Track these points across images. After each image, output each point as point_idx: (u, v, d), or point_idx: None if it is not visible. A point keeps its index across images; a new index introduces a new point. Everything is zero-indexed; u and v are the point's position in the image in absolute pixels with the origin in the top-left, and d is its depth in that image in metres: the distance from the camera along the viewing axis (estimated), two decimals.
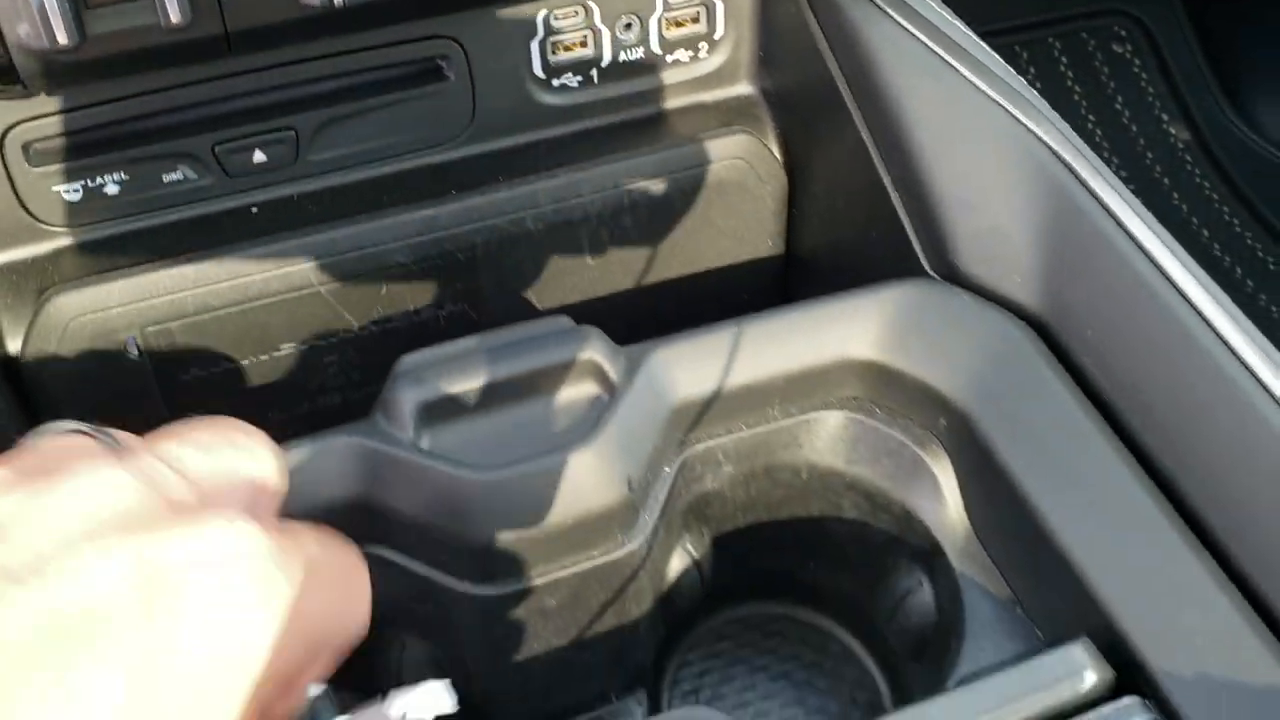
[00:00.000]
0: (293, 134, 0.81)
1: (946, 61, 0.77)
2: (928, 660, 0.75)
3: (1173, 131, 1.83)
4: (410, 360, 0.69)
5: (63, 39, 0.65)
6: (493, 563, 0.66)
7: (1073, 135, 0.75)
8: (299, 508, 0.61)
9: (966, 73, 0.76)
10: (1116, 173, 1.79)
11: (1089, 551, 0.64)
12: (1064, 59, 1.87)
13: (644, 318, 0.93)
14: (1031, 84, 1.86)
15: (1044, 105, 0.76)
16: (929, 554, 0.74)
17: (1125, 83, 1.85)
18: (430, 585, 0.68)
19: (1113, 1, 1.85)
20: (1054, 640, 0.67)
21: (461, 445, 0.67)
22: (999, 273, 0.74)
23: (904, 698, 0.78)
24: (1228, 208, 1.77)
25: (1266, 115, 1.79)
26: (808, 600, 0.84)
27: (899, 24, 0.79)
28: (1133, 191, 1.79)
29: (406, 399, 0.67)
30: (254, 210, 0.82)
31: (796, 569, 0.83)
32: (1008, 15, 1.82)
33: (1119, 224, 0.70)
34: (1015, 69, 1.83)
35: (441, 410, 0.68)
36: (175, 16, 0.67)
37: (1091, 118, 1.84)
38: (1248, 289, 1.68)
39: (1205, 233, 1.75)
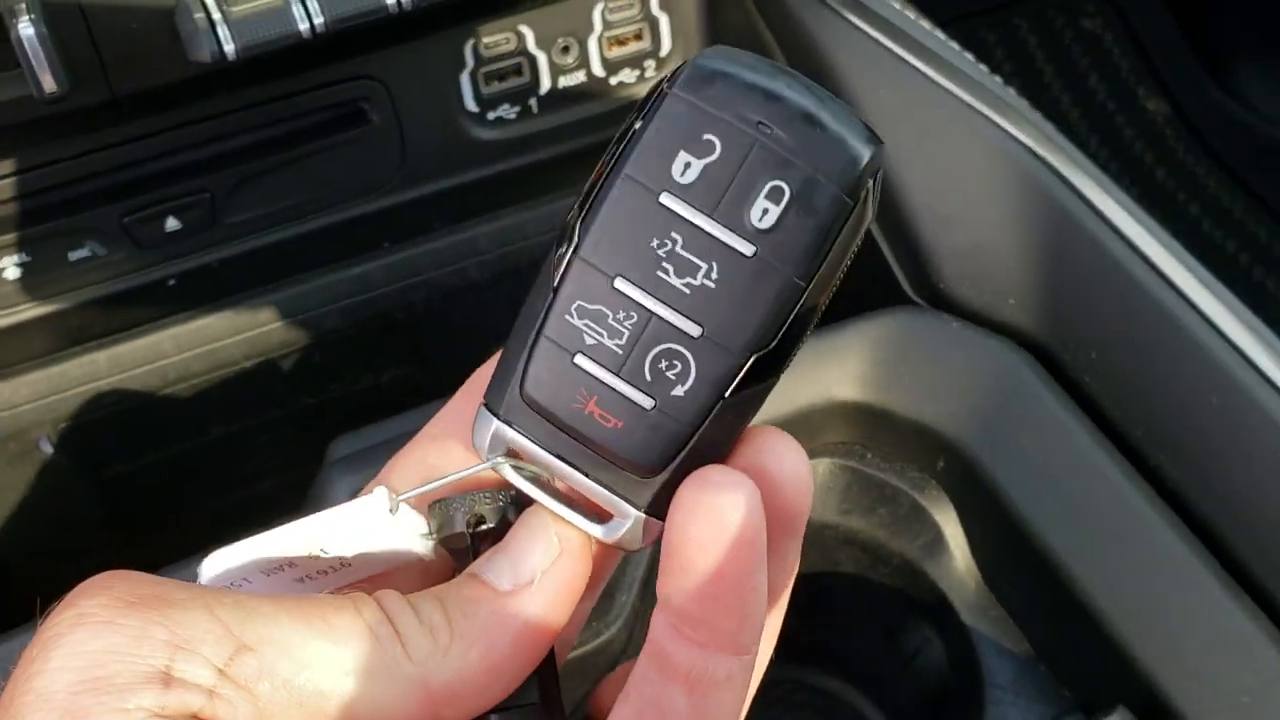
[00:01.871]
0: (207, 196, 0.74)
1: (909, 63, 0.70)
2: None
3: (1150, 106, 1.77)
4: (342, 445, 0.62)
5: None
6: None
7: (1057, 135, 0.68)
8: None
9: (933, 74, 0.69)
10: (1097, 151, 1.74)
11: (1116, 601, 0.58)
12: (1032, 39, 1.81)
13: None
14: (1001, 66, 1.80)
15: (1022, 104, 0.69)
16: (937, 609, 0.67)
17: (1097, 59, 1.79)
18: None
19: None
20: (1085, 701, 0.60)
21: None
22: (989, 294, 0.67)
23: None
24: (1213, 180, 1.71)
25: (1247, 82, 1.73)
26: (811, 662, 0.77)
27: (855, 25, 0.72)
28: (1116, 170, 1.74)
29: (340, 489, 0.60)
30: (171, 283, 0.75)
31: (796, 630, 0.76)
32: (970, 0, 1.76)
33: (1116, 231, 0.64)
34: (982, 53, 1.78)
35: None
36: (50, 85, 0.60)
37: (1065, 98, 1.78)
38: (1242, 264, 1.63)
39: (1193, 208, 1.69)
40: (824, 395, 0.66)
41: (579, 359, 0.32)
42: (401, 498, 0.34)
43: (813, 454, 0.68)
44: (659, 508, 0.33)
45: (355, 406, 0.78)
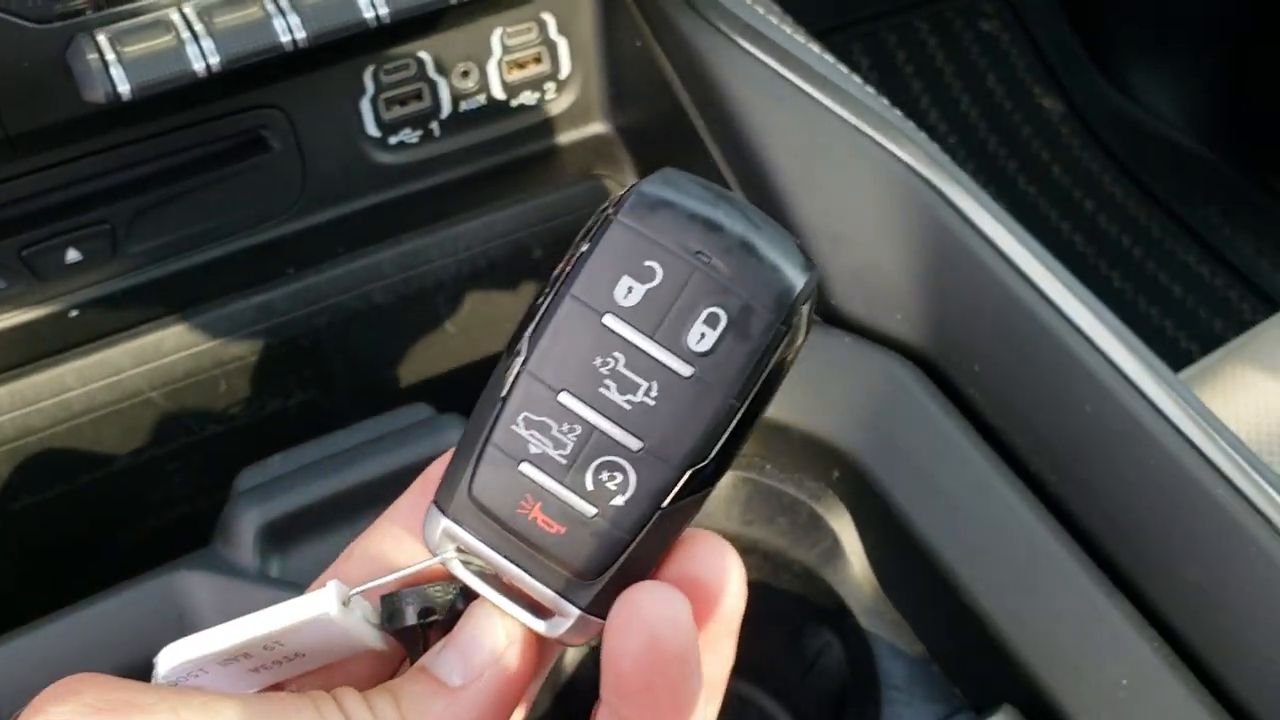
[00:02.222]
0: (107, 227, 0.74)
1: (801, 89, 0.72)
2: None
3: (1046, 104, 1.82)
4: (250, 475, 0.63)
5: None
6: None
7: (939, 154, 0.71)
8: (129, 663, 0.55)
9: (824, 99, 0.72)
10: (996, 151, 1.78)
11: (1000, 603, 0.61)
12: (933, 40, 1.85)
13: None
14: (902, 68, 1.84)
15: (908, 126, 0.72)
16: (836, 614, 0.69)
17: (995, 60, 1.83)
18: None
19: None
20: (975, 700, 0.63)
21: (316, 569, 0.61)
22: (878, 310, 0.70)
23: None
24: (1108, 176, 1.76)
25: (1139, 80, 1.78)
26: None
27: (748, 52, 0.74)
28: (1014, 167, 1.78)
29: (248, 522, 0.61)
30: (73, 314, 0.75)
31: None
32: (871, 2, 1.79)
33: (994, 247, 0.66)
34: (884, 55, 1.81)
35: (289, 530, 0.62)
36: None
37: (965, 98, 1.82)
38: (1136, 257, 1.68)
39: (1089, 204, 1.74)
40: None
41: (524, 467, 0.34)
42: (353, 592, 0.36)
43: None
44: (599, 607, 0.35)
45: (264, 432, 0.79)
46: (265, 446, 0.70)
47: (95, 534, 0.77)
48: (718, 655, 0.36)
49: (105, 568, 0.65)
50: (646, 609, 0.32)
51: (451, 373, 0.84)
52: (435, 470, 0.38)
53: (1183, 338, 1.59)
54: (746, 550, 0.72)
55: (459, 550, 0.35)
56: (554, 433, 0.34)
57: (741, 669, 0.79)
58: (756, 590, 0.73)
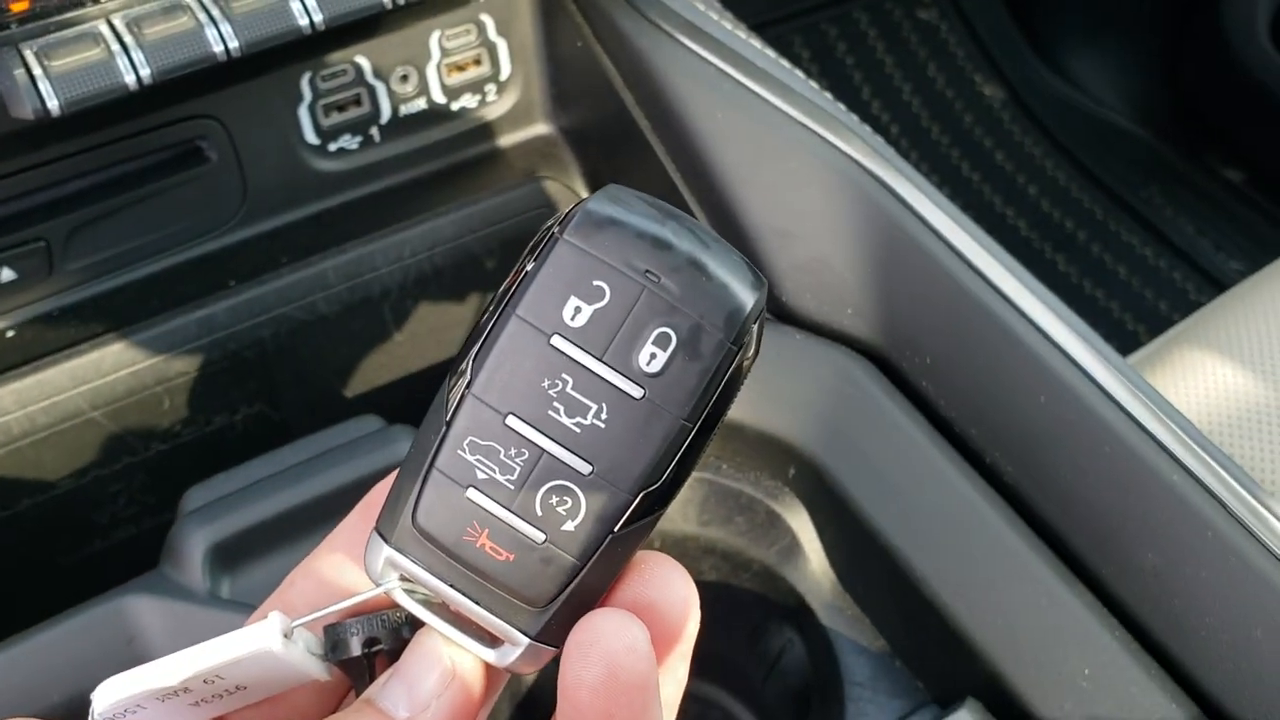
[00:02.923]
0: (43, 245, 0.72)
1: (743, 84, 0.72)
2: None
3: (987, 92, 1.83)
4: (196, 495, 0.62)
5: None
6: None
7: (884, 147, 0.70)
8: (77, 692, 0.53)
9: (766, 94, 0.71)
10: (938, 139, 1.79)
11: (960, 596, 0.61)
12: (872, 30, 1.85)
13: None
14: (843, 59, 1.84)
15: (852, 119, 0.71)
16: (797, 612, 0.69)
17: (935, 49, 1.84)
18: None
19: None
20: (938, 695, 0.63)
21: (267, 588, 0.60)
22: (828, 305, 0.69)
23: None
24: (1050, 160, 1.77)
25: (1077, 66, 1.80)
26: None
27: (689, 49, 0.73)
28: (957, 155, 1.79)
29: (196, 543, 0.60)
30: (10, 335, 0.73)
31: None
32: None
33: (942, 239, 0.66)
34: (825, 46, 1.81)
35: (238, 550, 0.60)
36: None
37: (906, 87, 1.83)
38: (1080, 241, 1.69)
39: (1032, 189, 1.75)
40: None
41: (471, 493, 0.33)
42: (295, 624, 0.35)
43: None
44: (550, 635, 0.34)
45: (210, 448, 0.77)
46: (212, 464, 0.68)
47: (39, 559, 0.75)
48: (672, 677, 0.36)
49: (50, 594, 0.64)
50: (605, 637, 0.32)
51: (400, 381, 0.82)
52: (378, 494, 0.37)
53: (1129, 319, 1.60)
54: (705, 551, 0.71)
55: (403, 579, 0.34)
56: (501, 457, 0.33)
57: (703, 670, 0.79)
58: (716, 591, 0.73)
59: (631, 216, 0.34)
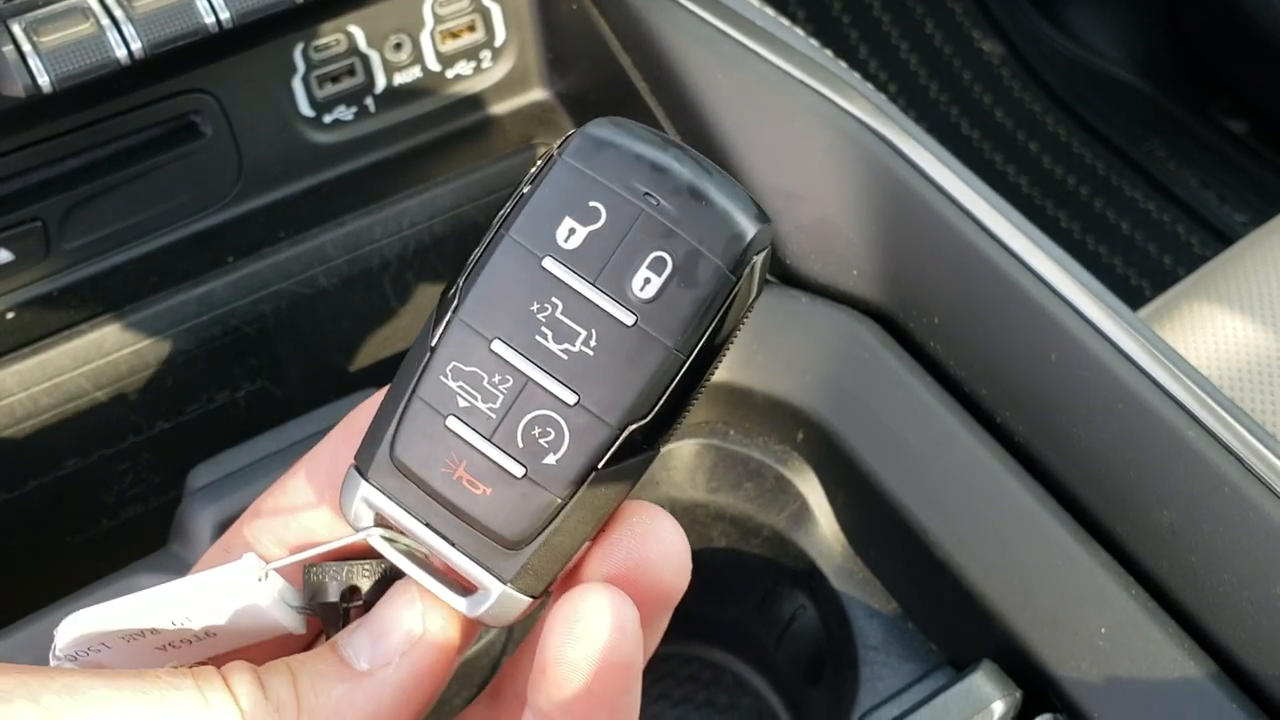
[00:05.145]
0: (40, 224, 0.72)
1: (743, 44, 0.71)
2: (826, 685, 0.70)
3: (985, 48, 1.81)
4: (203, 473, 0.61)
5: None
6: None
7: (888, 105, 0.69)
8: None
9: (767, 54, 0.70)
10: (937, 96, 1.77)
11: (972, 557, 0.60)
12: None
13: None
14: (839, 18, 1.82)
15: (854, 77, 0.70)
16: (808, 576, 0.69)
17: (933, 5, 1.82)
18: None
19: None
20: (953, 656, 0.63)
21: None
22: (834, 267, 0.68)
23: None
24: (1051, 117, 1.76)
25: (1077, 19, 1.78)
26: (695, 636, 0.79)
27: (687, 9, 0.72)
28: (956, 112, 1.78)
29: (203, 521, 0.59)
30: (9, 316, 0.73)
31: (678, 606, 0.77)
32: None
33: (949, 197, 0.65)
34: (820, 6, 1.79)
35: None
36: None
37: (904, 45, 1.81)
38: (1083, 196, 1.68)
39: (1033, 145, 1.74)
40: None
41: (451, 422, 0.32)
42: (271, 566, 0.34)
43: (680, 435, 0.69)
44: (525, 583, 0.32)
45: (214, 425, 0.77)
46: (217, 441, 0.68)
47: (47, 540, 0.75)
48: (653, 632, 0.34)
49: (58, 576, 0.63)
50: (594, 614, 0.30)
51: (402, 353, 0.82)
52: (359, 418, 0.35)
53: (1133, 275, 1.59)
54: (714, 517, 0.71)
55: (379, 521, 0.33)
56: (484, 384, 0.32)
57: (715, 636, 0.79)
58: (726, 557, 0.72)
59: (633, 141, 0.32)
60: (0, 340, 0.72)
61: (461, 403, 0.32)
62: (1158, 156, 1.69)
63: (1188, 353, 0.86)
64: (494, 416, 0.32)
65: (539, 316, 0.32)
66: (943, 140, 1.80)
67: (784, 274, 0.71)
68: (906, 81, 1.78)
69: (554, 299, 0.32)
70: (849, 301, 0.69)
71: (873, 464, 0.64)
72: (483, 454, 0.32)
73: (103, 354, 0.73)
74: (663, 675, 0.79)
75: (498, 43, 0.82)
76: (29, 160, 0.70)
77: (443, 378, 0.32)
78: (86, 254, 0.74)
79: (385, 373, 0.81)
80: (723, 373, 0.67)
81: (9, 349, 0.72)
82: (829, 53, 0.72)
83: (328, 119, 0.78)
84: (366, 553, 0.34)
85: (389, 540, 0.33)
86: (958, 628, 0.61)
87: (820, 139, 0.69)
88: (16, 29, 0.61)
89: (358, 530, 0.33)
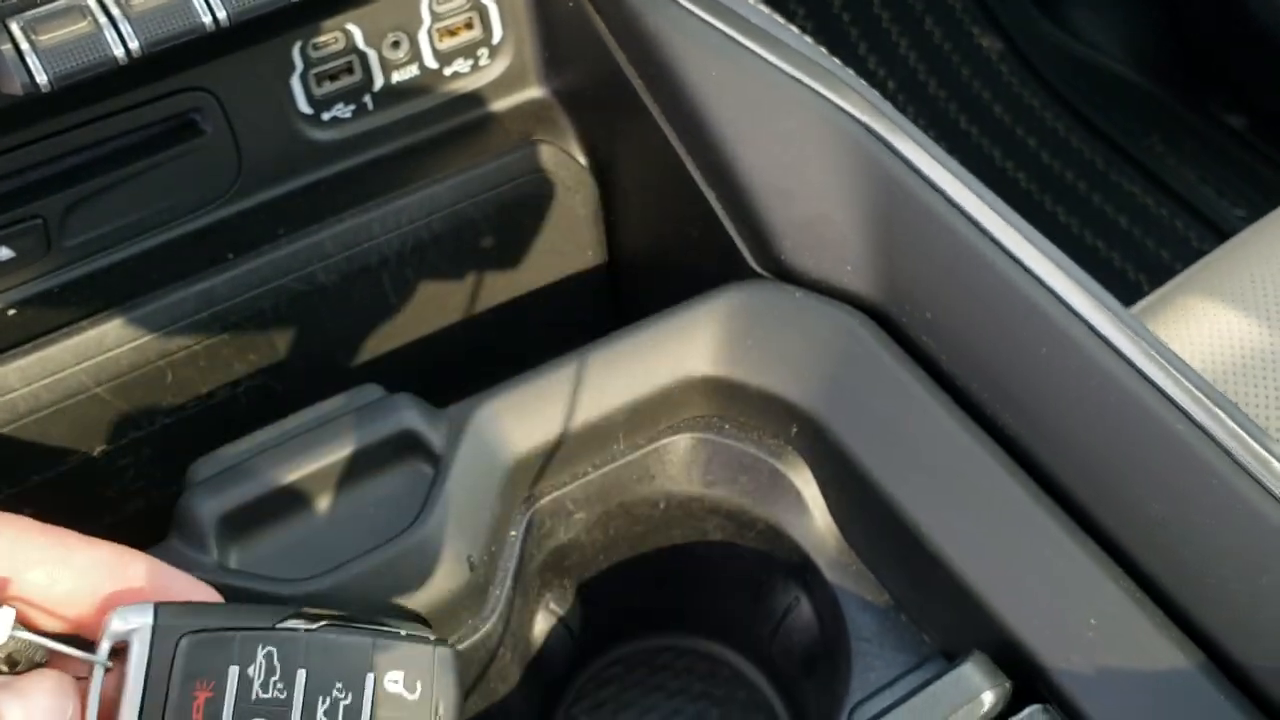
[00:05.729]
0: (40, 222, 0.72)
1: (737, 41, 0.71)
2: (819, 677, 0.71)
3: (984, 43, 1.82)
4: (202, 466, 0.62)
5: None
6: None
7: (882, 102, 0.70)
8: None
9: (761, 51, 0.71)
10: (936, 93, 1.77)
11: (963, 549, 0.61)
12: None
13: (469, 356, 0.86)
14: (839, 15, 1.82)
15: (849, 74, 0.71)
16: (802, 569, 0.69)
17: (931, 1, 1.82)
18: None
19: None
20: (944, 647, 0.63)
21: (275, 557, 0.60)
22: (829, 263, 0.69)
23: (800, 717, 0.74)
24: (1050, 112, 1.76)
25: (1076, 14, 1.78)
26: (691, 629, 0.79)
27: (682, 6, 0.73)
28: (955, 109, 1.78)
29: (204, 514, 0.60)
30: (10, 314, 0.73)
31: (672, 599, 0.78)
32: None
33: (941, 194, 0.66)
34: (819, 3, 1.79)
35: (246, 520, 0.60)
36: None
37: (903, 41, 1.82)
38: (1081, 191, 1.68)
39: (1031, 141, 1.74)
40: (680, 373, 0.68)
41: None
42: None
43: (674, 430, 0.70)
44: None
45: (215, 421, 0.77)
46: (217, 436, 0.68)
47: None
48: None
49: None
50: None
51: (401, 349, 0.82)
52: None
53: (1130, 269, 1.60)
54: (709, 511, 0.71)
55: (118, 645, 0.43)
56: None
57: (711, 629, 0.79)
58: (721, 550, 0.73)
59: None
60: (1, 337, 0.73)
61: None
62: (1156, 151, 1.69)
63: (1182, 347, 0.86)
64: None
65: None
66: (941, 136, 1.80)
67: (778, 270, 0.71)
68: (905, 77, 1.78)
69: None
70: (842, 297, 0.69)
71: (866, 458, 0.65)
72: None
73: (103, 350, 0.74)
74: (659, 667, 0.80)
75: (495, 40, 0.82)
76: (29, 158, 0.71)
77: None
78: (87, 251, 0.75)
79: (384, 368, 0.82)
80: (716, 367, 0.68)
81: (10, 345, 0.73)
82: (824, 50, 0.73)
83: (326, 116, 0.79)
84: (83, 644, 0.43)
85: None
86: (949, 619, 0.62)
87: (815, 135, 0.70)
88: (14, 27, 0.62)
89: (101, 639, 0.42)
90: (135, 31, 0.62)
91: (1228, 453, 0.55)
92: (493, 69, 0.83)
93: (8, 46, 0.60)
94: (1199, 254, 1.55)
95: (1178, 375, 0.58)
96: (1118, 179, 1.68)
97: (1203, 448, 0.56)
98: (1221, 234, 1.59)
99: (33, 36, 0.61)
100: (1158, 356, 0.59)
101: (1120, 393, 0.58)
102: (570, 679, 0.78)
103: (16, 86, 0.60)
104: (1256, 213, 1.58)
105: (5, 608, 0.41)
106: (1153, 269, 1.59)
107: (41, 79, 0.61)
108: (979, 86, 1.79)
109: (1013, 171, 1.70)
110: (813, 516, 0.68)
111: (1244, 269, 0.96)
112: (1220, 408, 0.57)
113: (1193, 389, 0.57)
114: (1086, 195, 1.68)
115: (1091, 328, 0.60)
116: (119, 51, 0.62)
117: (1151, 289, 1.04)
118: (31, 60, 0.60)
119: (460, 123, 0.83)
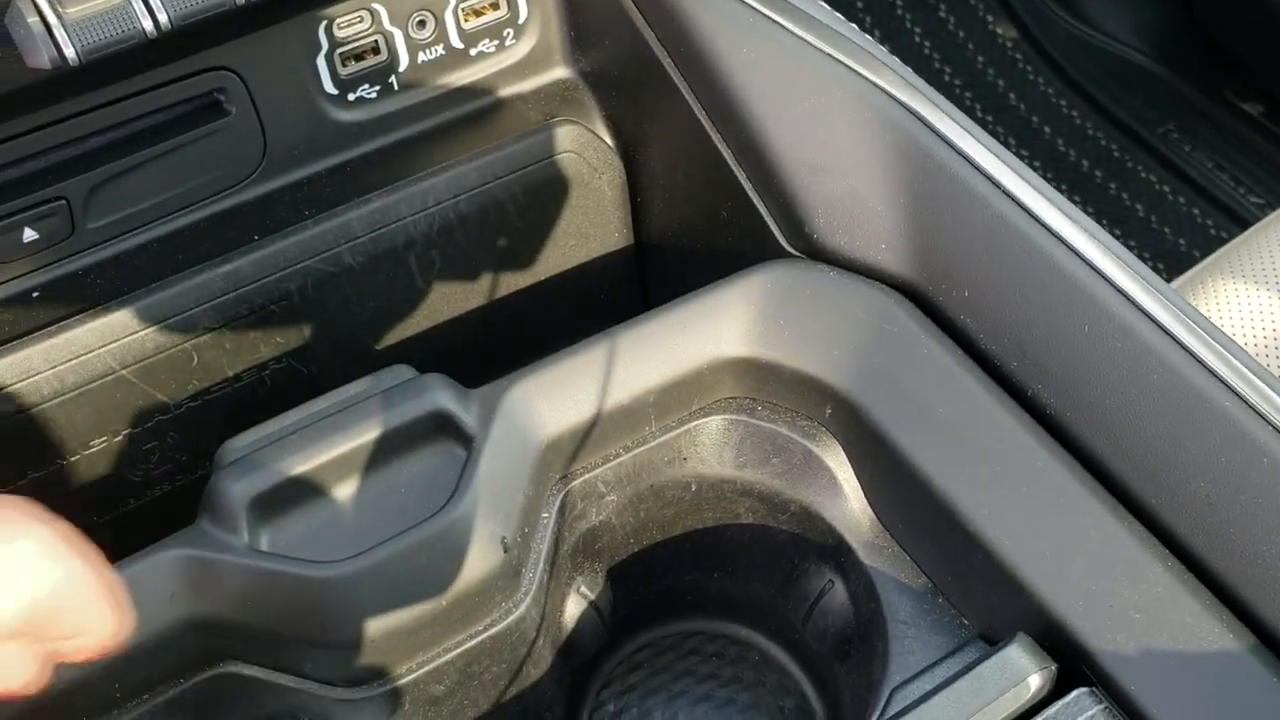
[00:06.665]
0: (64, 203, 0.71)
1: (770, 18, 0.70)
2: (854, 661, 0.70)
3: (1000, 31, 1.81)
4: (232, 447, 0.61)
5: None
6: (363, 662, 0.59)
7: (915, 78, 0.69)
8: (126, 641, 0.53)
9: (793, 28, 0.70)
10: (951, 81, 1.76)
11: (1004, 530, 0.60)
12: None
13: (496, 339, 0.86)
14: (853, 3, 1.81)
15: (880, 50, 0.70)
16: (836, 551, 0.69)
17: None
18: (301, 697, 0.60)
19: None
20: (984, 630, 0.62)
21: (306, 538, 0.59)
22: (861, 241, 0.68)
23: (833, 702, 0.73)
24: (1065, 100, 1.75)
25: (1092, 3, 1.77)
26: (720, 613, 0.79)
27: None
28: (970, 97, 1.76)
29: (234, 495, 0.59)
30: (35, 295, 0.72)
31: (701, 582, 0.77)
32: None
33: (978, 169, 0.65)
34: None
35: (277, 501, 0.60)
36: None
37: (919, 29, 1.81)
38: (1097, 179, 1.67)
39: (1047, 129, 1.73)
40: (712, 354, 0.67)
41: None
42: None
43: (705, 411, 0.69)
44: None
45: (241, 403, 0.77)
46: (243, 419, 0.68)
47: (74, 520, 0.75)
48: None
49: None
50: None
51: (428, 331, 0.82)
52: None
53: (1148, 258, 1.59)
54: (742, 493, 0.71)
55: None
56: None
57: (740, 613, 0.78)
58: (753, 533, 0.72)
59: None
60: (26, 319, 0.72)
61: None
62: (1173, 139, 1.68)
63: (1219, 324, 0.85)
64: None
65: None
66: None
67: (810, 249, 0.71)
68: (921, 65, 1.77)
69: None
70: (877, 275, 0.68)
71: (902, 439, 0.64)
72: None
73: (128, 333, 0.73)
74: (688, 652, 0.79)
75: (520, 20, 0.81)
76: (54, 139, 0.70)
77: None
78: (111, 233, 0.74)
79: (410, 350, 0.81)
80: (749, 348, 0.67)
81: (35, 328, 0.72)
82: (854, 26, 0.72)
83: (352, 96, 0.78)
84: None
85: None
86: (989, 601, 0.61)
87: (847, 112, 0.69)
88: (42, 1, 0.61)
89: None
90: (164, 5, 0.61)
91: (1277, 430, 0.55)
92: (519, 49, 0.82)
93: (35, 19, 0.59)
94: (1217, 241, 1.54)
95: (1224, 351, 0.57)
96: (1135, 167, 1.67)
97: (1251, 425, 0.55)
98: (1238, 220, 1.58)
99: (61, 9, 0.60)
100: (1204, 334, 0.58)
101: (1167, 370, 0.57)
102: (599, 663, 0.77)
103: (45, 60, 0.59)
104: (1274, 200, 1.57)
105: None
106: (1170, 257, 1.58)
107: (69, 52, 0.60)
108: (994, 74, 1.78)
109: (1029, 160, 1.69)
110: (847, 499, 0.68)
111: (1270, 251, 0.95)
112: (1268, 384, 0.56)
113: (1239, 365, 0.56)
114: (1104, 183, 1.67)
115: (1136, 305, 0.60)
116: (148, 24, 0.61)
117: (1170, 277, 1.03)
118: (59, 33, 0.60)
119: (486, 103, 0.83)
